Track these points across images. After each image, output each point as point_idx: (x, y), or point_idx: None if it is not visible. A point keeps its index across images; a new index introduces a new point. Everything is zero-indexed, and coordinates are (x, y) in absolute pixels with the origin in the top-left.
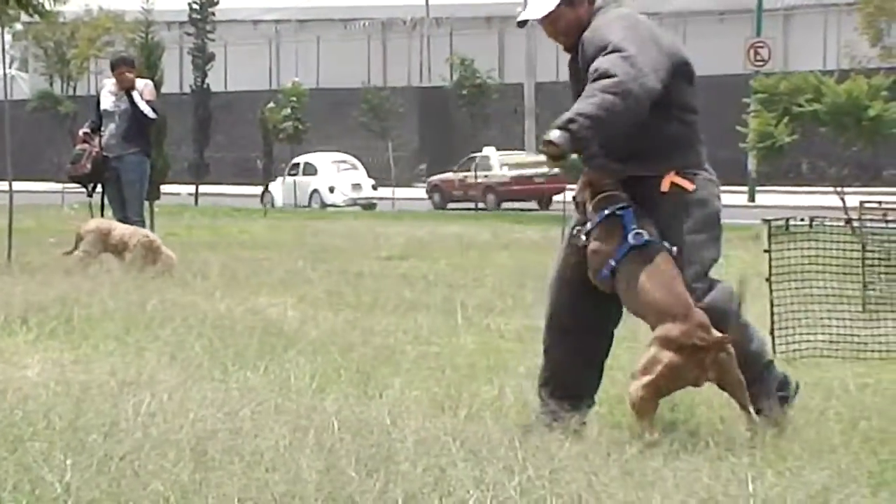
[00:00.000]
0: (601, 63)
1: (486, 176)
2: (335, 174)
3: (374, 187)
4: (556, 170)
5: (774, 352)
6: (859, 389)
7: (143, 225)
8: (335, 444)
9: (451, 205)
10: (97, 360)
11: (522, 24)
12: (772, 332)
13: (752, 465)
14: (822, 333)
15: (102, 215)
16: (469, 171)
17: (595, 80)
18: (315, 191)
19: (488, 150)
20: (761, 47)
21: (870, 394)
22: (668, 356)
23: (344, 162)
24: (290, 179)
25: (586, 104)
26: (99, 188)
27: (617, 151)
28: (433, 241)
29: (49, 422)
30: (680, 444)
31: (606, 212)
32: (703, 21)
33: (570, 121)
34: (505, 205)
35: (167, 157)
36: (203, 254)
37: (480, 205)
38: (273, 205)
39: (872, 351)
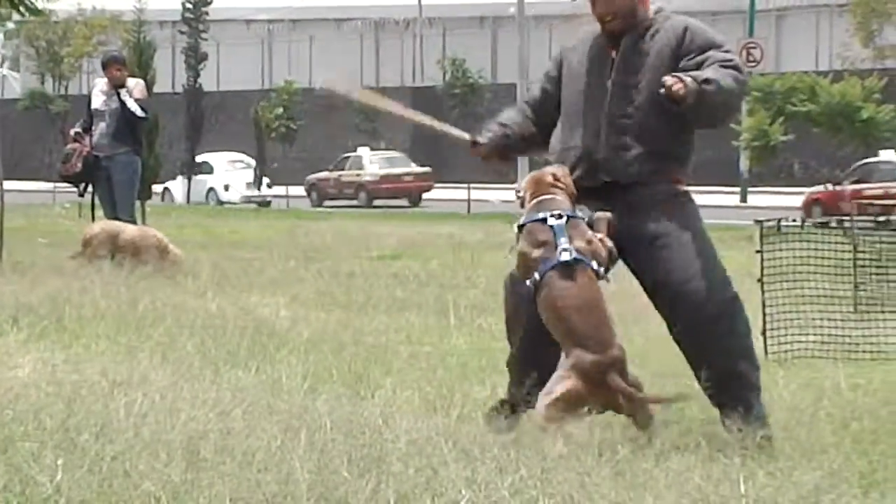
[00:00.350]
0: (729, 56)
1: (358, 174)
2: (231, 172)
3: (269, 185)
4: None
5: (766, 353)
6: (851, 390)
7: (134, 225)
8: (327, 445)
9: (327, 202)
10: (88, 360)
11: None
12: (763, 333)
13: (743, 466)
14: (814, 334)
15: (93, 215)
16: (344, 170)
17: (726, 66)
18: (211, 189)
19: (362, 150)
20: (754, 48)
21: (861, 394)
22: (572, 383)
23: (240, 161)
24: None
25: (725, 76)
26: (90, 188)
27: (655, 146)
28: (425, 241)
29: (40, 422)
30: (671, 445)
31: (540, 215)
32: (697, 20)
33: (707, 81)
34: (377, 202)
35: (159, 157)
36: (194, 253)
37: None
38: (172, 202)
39: (864, 352)
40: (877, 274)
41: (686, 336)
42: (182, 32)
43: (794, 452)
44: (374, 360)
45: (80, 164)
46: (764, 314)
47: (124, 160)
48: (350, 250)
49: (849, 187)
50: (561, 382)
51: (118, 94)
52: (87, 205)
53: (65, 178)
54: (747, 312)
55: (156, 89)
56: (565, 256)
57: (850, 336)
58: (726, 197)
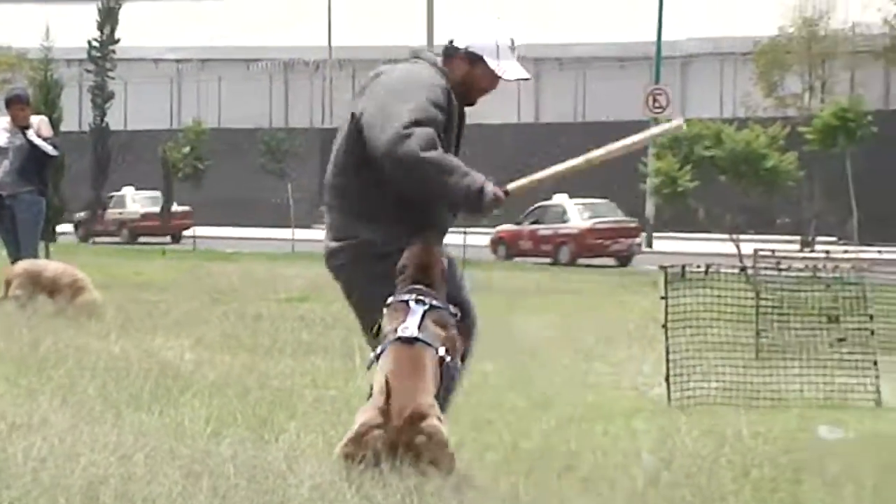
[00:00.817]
0: None
1: (120, 213)
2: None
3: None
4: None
5: (669, 399)
6: (752, 437)
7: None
8: (229, 491)
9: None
10: None
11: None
12: (667, 379)
13: None
14: (717, 381)
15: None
16: (108, 208)
17: None
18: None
19: (126, 190)
20: (660, 94)
21: (761, 442)
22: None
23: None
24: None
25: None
26: None
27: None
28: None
29: None
30: (574, 493)
31: (409, 298)
32: (603, 67)
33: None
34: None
35: (64, 196)
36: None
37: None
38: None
39: (765, 398)
40: (779, 321)
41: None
42: (89, 71)
43: (694, 499)
44: (278, 404)
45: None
46: (668, 360)
47: (29, 199)
48: (257, 292)
49: (527, 227)
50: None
51: (24, 135)
52: None
53: None
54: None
55: (62, 128)
56: (406, 334)
57: (751, 383)
58: None
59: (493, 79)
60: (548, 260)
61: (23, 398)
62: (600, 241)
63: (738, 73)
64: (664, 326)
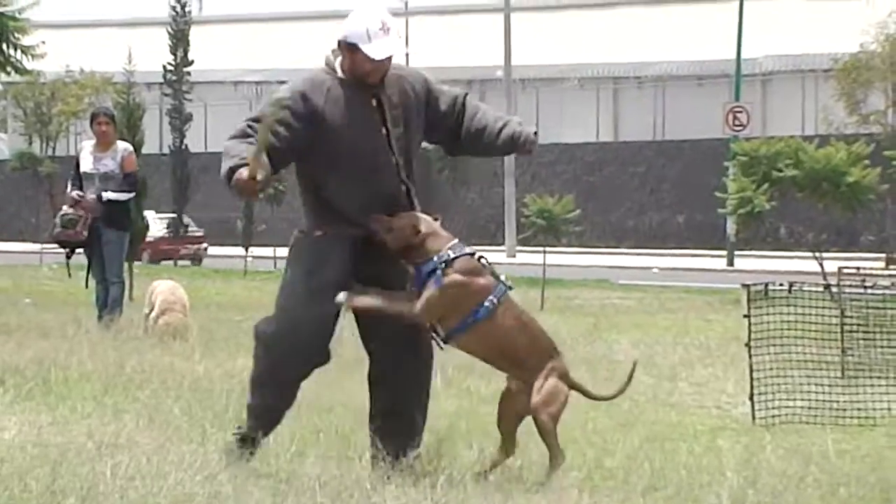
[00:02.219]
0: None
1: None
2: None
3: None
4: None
5: (753, 418)
6: (838, 456)
7: (123, 286)
8: None
9: None
10: (75, 422)
11: (387, 58)
12: (751, 398)
13: None
14: (801, 399)
15: (89, 276)
16: None
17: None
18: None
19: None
20: (740, 112)
21: (849, 460)
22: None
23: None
24: None
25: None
26: (76, 250)
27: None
28: None
29: (25, 485)
30: None
31: (467, 250)
32: (682, 86)
33: (535, 132)
34: None
35: (147, 219)
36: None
37: None
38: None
39: (851, 417)
40: (864, 339)
41: (387, 377)
42: (166, 94)
43: None
44: (362, 423)
45: (86, 233)
46: (752, 379)
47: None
48: None
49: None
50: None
51: (100, 199)
52: (74, 266)
53: (66, 244)
54: (735, 376)
55: (144, 150)
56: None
57: (837, 401)
58: (713, 260)
59: (369, 61)
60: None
61: (110, 417)
62: (172, 247)
63: (819, 90)
64: (748, 345)
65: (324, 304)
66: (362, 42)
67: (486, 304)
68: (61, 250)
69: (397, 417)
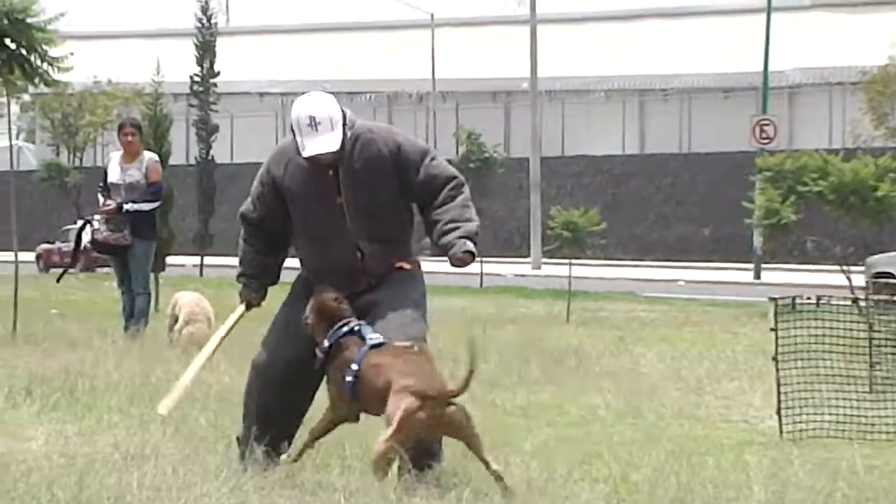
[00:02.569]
0: (446, 170)
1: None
2: None
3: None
4: None
5: (781, 432)
6: (867, 471)
7: (149, 297)
8: None
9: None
10: (101, 432)
11: (317, 157)
12: (778, 412)
13: None
14: (829, 414)
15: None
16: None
17: (455, 187)
18: None
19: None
20: (766, 125)
21: (877, 476)
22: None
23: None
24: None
25: (472, 214)
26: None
27: (395, 241)
28: (438, 315)
29: (53, 495)
30: None
31: (345, 329)
32: (708, 98)
33: (475, 233)
34: None
35: (172, 229)
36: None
37: None
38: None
39: (880, 432)
40: (892, 353)
41: None
42: (192, 105)
43: None
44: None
45: (129, 238)
46: (779, 392)
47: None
48: None
49: (57, 244)
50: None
51: (123, 209)
52: (102, 275)
53: (111, 247)
54: (762, 390)
55: (170, 161)
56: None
57: (865, 416)
58: (740, 273)
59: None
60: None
61: (136, 428)
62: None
63: (847, 103)
64: (775, 358)
65: (293, 340)
66: (297, 133)
67: (348, 377)
68: (103, 256)
69: None
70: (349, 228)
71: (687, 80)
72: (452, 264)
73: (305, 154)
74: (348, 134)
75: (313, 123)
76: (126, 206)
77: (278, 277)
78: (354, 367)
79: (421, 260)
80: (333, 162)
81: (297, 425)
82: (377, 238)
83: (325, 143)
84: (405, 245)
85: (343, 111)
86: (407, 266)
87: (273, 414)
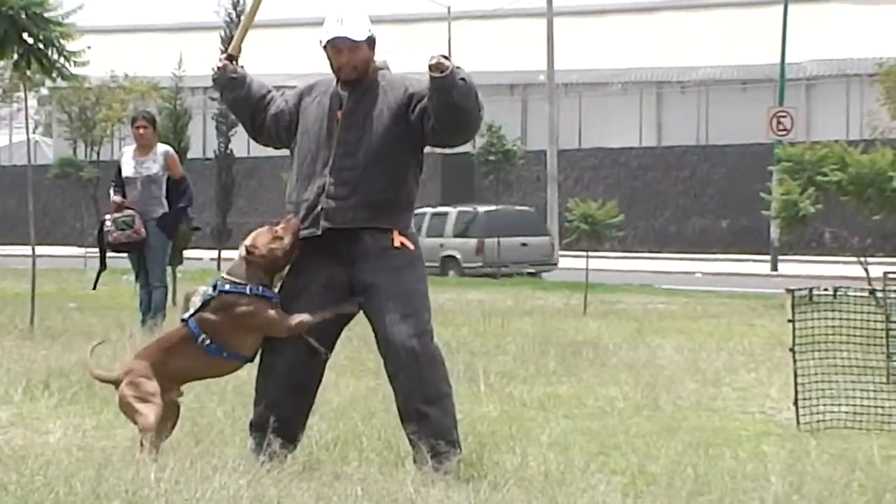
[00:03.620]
0: None
1: None
2: None
3: None
4: None
5: (798, 423)
6: (884, 462)
7: (165, 291)
8: None
9: None
10: (119, 425)
11: (333, 41)
12: (795, 403)
13: None
14: (847, 405)
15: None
16: None
17: None
18: None
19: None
20: (784, 117)
21: (895, 466)
22: None
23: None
24: None
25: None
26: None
27: (372, 196)
28: (455, 308)
29: (71, 488)
30: None
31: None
32: (725, 90)
33: (463, 78)
34: None
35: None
36: None
37: None
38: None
39: None
40: None
41: (391, 381)
42: (213, 99)
43: None
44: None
45: (143, 230)
46: (796, 384)
47: (157, 225)
48: None
49: None
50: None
51: (143, 222)
52: (120, 270)
53: (121, 248)
54: (779, 381)
55: (189, 155)
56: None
57: (882, 407)
58: (757, 265)
59: (327, 52)
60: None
61: None
62: None
63: (864, 94)
64: (792, 350)
65: (300, 306)
66: (322, 32)
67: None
68: (120, 255)
69: (410, 417)
70: (331, 167)
71: (704, 73)
72: (430, 67)
73: (325, 38)
74: (371, 63)
75: (340, 19)
76: (180, 216)
77: (238, 96)
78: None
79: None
80: (353, 86)
81: (307, 405)
82: (350, 184)
83: (347, 30)
84: (386, 211)
85: (372, 34)
86: (409, 246)
87: (283, 391)
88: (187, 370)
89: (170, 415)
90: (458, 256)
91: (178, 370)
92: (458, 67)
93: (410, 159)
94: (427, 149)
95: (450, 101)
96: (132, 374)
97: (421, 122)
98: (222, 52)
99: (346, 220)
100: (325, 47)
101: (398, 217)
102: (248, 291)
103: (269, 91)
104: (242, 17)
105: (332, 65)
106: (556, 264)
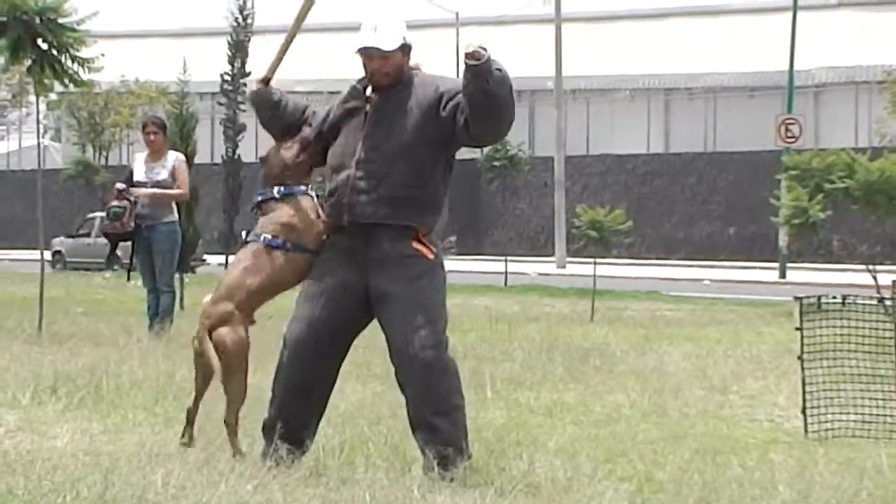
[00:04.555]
0: None
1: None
2: None
3: None
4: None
5: (806, 431)
6: (893, 470)
7: (174, 296)
8: None
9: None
10: (126, 430)
11: (364, 50)
12: (804, 411)
13: None
14: (855, 413)
15: (131, 272)
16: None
17: None
18: None
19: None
20: (792, 124)
21: None
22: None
23: None
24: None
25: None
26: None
27: (396, 191)
28: (462, 314)
29: (78, 493)
30: None
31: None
32: (733, 97)
33: (500, 69)
34: None
35: (197, 228)
36: None
37: None
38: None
39: None
40: None
41: (403, 390)
42: (221, 104)
43: None
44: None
45: (132, 224)
46: (804, 392)
47: (166, 230)
48: None
49: None
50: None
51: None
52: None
53: (114, 237)
54: (787, 389)
55: (196, 160)
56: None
57: (891, 415)
58: (765, 273)
59: (361, 58)
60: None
61: (160, 426)
62: None
63: (872, 101)
64: (800, 358)
65: (315, 308)
66: (356, 43)
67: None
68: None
69: (420, 427)
70: (356, 160)
71: (712, 79)
72: (466, 56)
73: (357, 46)
74: (406, 67)
75: (374, 27)
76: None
77: (277, 118)
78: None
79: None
80: (385, 90)
81: (316, 408)
82: (378, 178)
83: (378, 40)
84: (408, 207)
85: (407, 41)
86: (428, 254)
87: (292, 391)
88: (265, 283)
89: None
90: None
91: (258, 289)
92: (493, 58)
93: (439, 157)
94: None
95: (485, 88)
96: (230, 322)
97: (453, 119)
98: (256, 80)
99: (367, 214)
100: (358, 53)
101: (421, 217)
102: (275, 194)
103: (307, 108)
104: (280, 45)
105: (365, 70)
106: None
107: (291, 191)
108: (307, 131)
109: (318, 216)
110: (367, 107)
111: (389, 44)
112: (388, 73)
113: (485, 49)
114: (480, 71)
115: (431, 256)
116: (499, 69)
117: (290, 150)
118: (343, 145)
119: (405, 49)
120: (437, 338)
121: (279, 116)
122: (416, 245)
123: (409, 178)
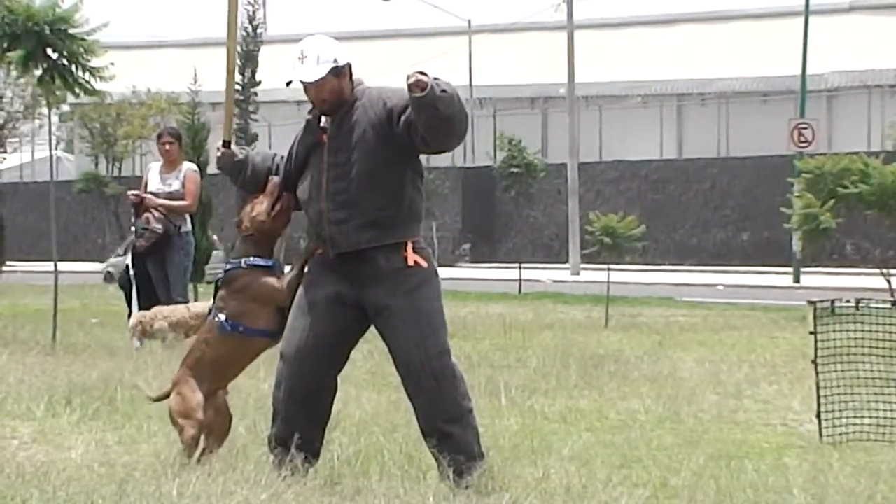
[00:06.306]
0: None
1: None
2: None
3: None
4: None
5: (821, 435)
6: None
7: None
8: None
9: None
10: (141, 441)
11: (289, 84)
12: (818, 416)
13: None
14: (870, 417)
15: (132, 299)
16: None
17: None
18: None
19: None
20: (805, 128)
21: None
22: None
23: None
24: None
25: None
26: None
27: (372, 215)
28: (476, 321)
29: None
30: None
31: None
32: (746, 102)
33: (444, 90)
34: None
35: (211, 240)
36: None
37: None
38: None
39: None
40: None
41: (412, 400)
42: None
43: None
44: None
45: (159, 226)
46: (818, 396)
47: (178, 241)
48: None
49: None
50: None
51: (160, 234)
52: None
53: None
54: (802, 393)
55: (209, 170)
56: None
57: None
58: (779, 278)
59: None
60: None
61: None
62: None
63: (886, 105)
64: (814, 362)
65: (310, 321)
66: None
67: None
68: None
69: (432, 435)
70: (325, 193)
71: (725, 85)
72: (409, 87)
73: (285, 80)
74: (347, 87)
75: (301, 56)
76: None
77: (244, 181)
78: None
79: (459, 265)
80: (333, 112)
81: (320, 418)
82: (349, 207)
83: (302, 73)
84: (391, 227)
85: (340, 60)
86: (423, 263)
87: (293, 403)
88: (221, 361)
89: (219, 421)
90: None
91: (214, 364)
92: (436, 80)
93: (405, 170)
94: (447, 163)
95: (436, 115)
96: (177, 386)
97: (408, 135)
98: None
99: (352, 244)
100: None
101: (406, 230)
102: (242, 265)
103: (275, 156)
104: (224, 104)
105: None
106: None
107: (262, 263)
108: (274, 180)
109: (280, 289)
110: (324, 137)
111: (313, 74)
112: (325, 99)
113: (425, 74)
114: (426, 102)
115: (426, 265)
116: (444, 90)
117: (262, 205)
118: (309, 179)
119: (338, 71)
120: (442, 346)
121: (251, 175)
122: (409, 257)
123: (380, 201)
